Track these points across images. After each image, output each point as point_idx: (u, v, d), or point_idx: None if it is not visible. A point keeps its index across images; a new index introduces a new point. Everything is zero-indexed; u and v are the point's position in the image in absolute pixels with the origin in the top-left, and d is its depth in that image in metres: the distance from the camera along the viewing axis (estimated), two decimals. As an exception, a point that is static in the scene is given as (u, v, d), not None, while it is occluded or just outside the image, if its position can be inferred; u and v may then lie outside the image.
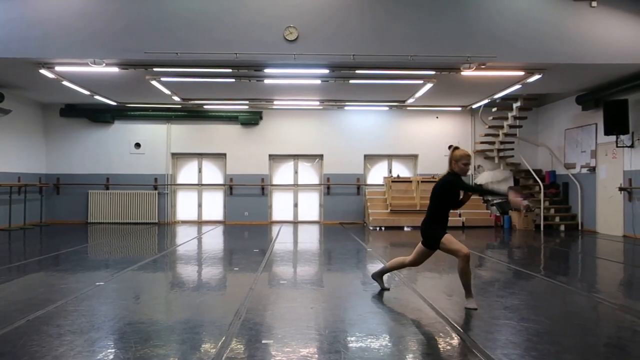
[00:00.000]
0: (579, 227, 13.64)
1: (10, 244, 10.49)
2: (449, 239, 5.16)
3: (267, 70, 10.52)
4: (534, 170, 14.59)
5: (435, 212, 5.28)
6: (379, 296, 5.71)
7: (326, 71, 10.58)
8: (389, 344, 3.98)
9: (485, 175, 15.24)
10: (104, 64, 9.89)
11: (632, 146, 11.65)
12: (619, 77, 11.32)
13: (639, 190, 11.48)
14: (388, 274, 6.15)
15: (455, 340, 3.99)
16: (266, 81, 11.56)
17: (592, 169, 13.15)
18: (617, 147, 11.89)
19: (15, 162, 13.72)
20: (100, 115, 15.20)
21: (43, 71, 10.30)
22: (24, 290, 5.97)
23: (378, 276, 5.96)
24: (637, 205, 11.50)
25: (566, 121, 14.27)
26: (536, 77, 10.77)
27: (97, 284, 6.10)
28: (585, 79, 11.53)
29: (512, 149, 15.19)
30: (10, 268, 7.50)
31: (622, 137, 11.72)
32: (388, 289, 5.88)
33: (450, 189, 5.19)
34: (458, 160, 5.17)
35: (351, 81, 11.37)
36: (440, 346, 3.86)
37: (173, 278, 7.12)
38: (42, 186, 14.76)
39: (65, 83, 11.46)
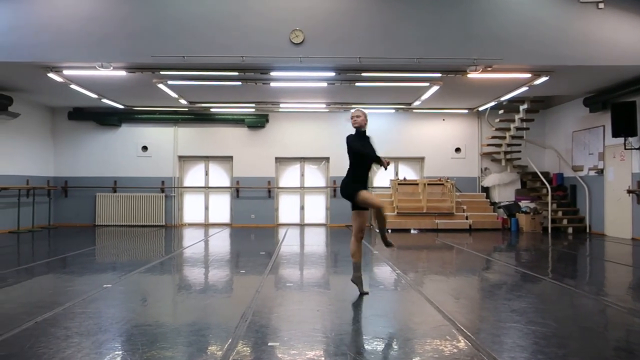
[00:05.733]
0: (587, 230, 13.56)
1: (18, 247, 10.56)
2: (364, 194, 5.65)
3: (273, 73, 10.53)
4: (541, 172, 14.54)
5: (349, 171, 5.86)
6: (385, 299, 5.70)
7: (332, 74, 10.58)
8: (395, 347, 3.97)
9: (492, 178, 15.20)
10: (112, 68, 9.94)
11: (640, 148, 11.58)
12: (626, 79, 11.25)
13: (647, 192, 11.41)
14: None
15: (462, 344, 3.98)
16: (272, 84, 11.59)
17: (600, 172, 13.07)
18: (625, 149, 11.82)
19: (23, 166, 13.82)
20: (107, 119, 15.28)
21: (51, 75, 10.36)
22: (32, 293, 6.00)
23: (356, 277, 5.80)
24: (646, 207, 11.43)
25: (573, 123, 14.21)
26: (543, 79, 10.72)
27: (105, 286, 6.12)
28: (592, 81, 11.48)
29: (519, 152, 15.14)
30: (18, 270, 7.55)
31: (630, 139, 11.65)
32: (367, 293, 5.73)
33: (348, 146, 5.81)
34: (350, 118, 5.85)
35: (357, 84, 11.37)
36: (447, 349, 3.84)
37: (180, 280, 7.14)
38: (50, 189, 14.84)
39: (73, 87, 11.53)
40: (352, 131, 5.92)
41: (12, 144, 13.32)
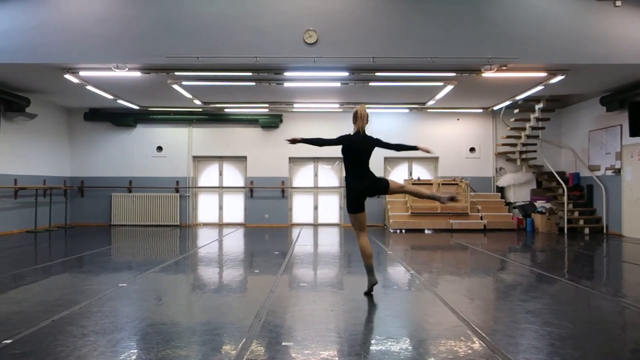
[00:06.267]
0: (604, 231, 13.40)
1: (35, 246, 10.70)
2: None
3: (287, 74, 10.55)
4: (557, 172, 14.40)
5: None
6: (399, 299, 5.68)
7: (346, 74, 10.57)
8: (410, 348, 3.96)
9: (507, 178, 15.08)
10: (127, 69, 10.03)
11: (658, 148, 11.42)
12: (644, 78, 11.11)
13: (666, 192, 11.24)
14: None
15: (477, 344, 3.95)
16: (286, 84, 11.61)
17: (618, 171, 12.91)
18: (643, 148, 11.67)
19: (40, 166, 14.00)
20: (123, 119, 15.42)
21: (67, 76, 10.48)
22: (49, 291, 6.07)
23: (372, 277, 5.73)
24: (664, 208, 11.26)
25: (590, 122, 14.05)
26: (559, 78, 10.62)
27: (120, 285, 6.18)
28: (609, 79, 11.34)
29: (535, 151, 15.01)
30: (35, 269, 7.65)
31: (648, 138, 11.51)
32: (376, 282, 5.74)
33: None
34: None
35: (371, 84, 11.35)
36: (461, 350, 3.82)
37: (194, 280, 7.18)
38: (66, 189, 15.01)
39: (89, 88, 11.65)
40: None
41: (30, 144, 13.50)
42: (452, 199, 5.97)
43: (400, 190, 6.14)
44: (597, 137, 13.73)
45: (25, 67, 10.03)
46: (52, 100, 14.03)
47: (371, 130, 6.31)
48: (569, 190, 13.96)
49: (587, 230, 13.49)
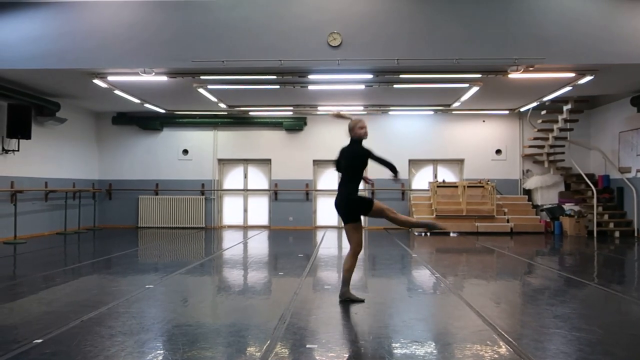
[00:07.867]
0: (635, 234, 13.09)
1: (65, 248, 10.92)
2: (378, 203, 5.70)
3: (311, 76, 10.58)
4: (586, 174, 14.11)
5: (357, 183, 5.82)
6: (424, 303, 5.64)
7: (370, 76, 10.55)
8: (435, 352, 3.92)
9: (535, 180, 14.86)
10: (154, 73, 10.17)
11: (692, 149, 11.12)
12: (677, 77, 10.83)
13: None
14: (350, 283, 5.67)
15: (503, 349, 3.90)
16: (310, 87, 11.63)
17: (649, 173, 12.61)
18: (675, 150, 11.38)
19: (70, 169, 14.29)
20: (149, 123, 15.64)
21: (96, 81, 10.68)
22: (78, 292, 6.20)
23: (347, 292, 5.54)
24: (698, 210, 10.94)
25: (620, 123, 13.75)
26: (588, 78, 10.41)
27: (147, 286, 6.27)
28: (640, 79, 11.10)
29: (563, 153, 14.74)
30: (65, 270, 7.82)
31: (681, 139, 11.21)
32: (363, 301, 5.51)
33: (364, 158, 5.92)
34: (354, 127, 5.89)
35: (395, 86, 11.30)
36: (487, 355, 3.78)
37: (219, 282, 7.24)
38: (95, 192, 15.28)
39: (117, 92, 11.85)
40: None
41: (60, 148, 13.79)
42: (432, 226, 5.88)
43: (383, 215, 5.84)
44: (628, 138, 13.42)
45: (56, 72, 10.26)
46: (81, 104, 14.31)
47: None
48: (599, 193, 13.67)
49: (617, 234, 13.20)
